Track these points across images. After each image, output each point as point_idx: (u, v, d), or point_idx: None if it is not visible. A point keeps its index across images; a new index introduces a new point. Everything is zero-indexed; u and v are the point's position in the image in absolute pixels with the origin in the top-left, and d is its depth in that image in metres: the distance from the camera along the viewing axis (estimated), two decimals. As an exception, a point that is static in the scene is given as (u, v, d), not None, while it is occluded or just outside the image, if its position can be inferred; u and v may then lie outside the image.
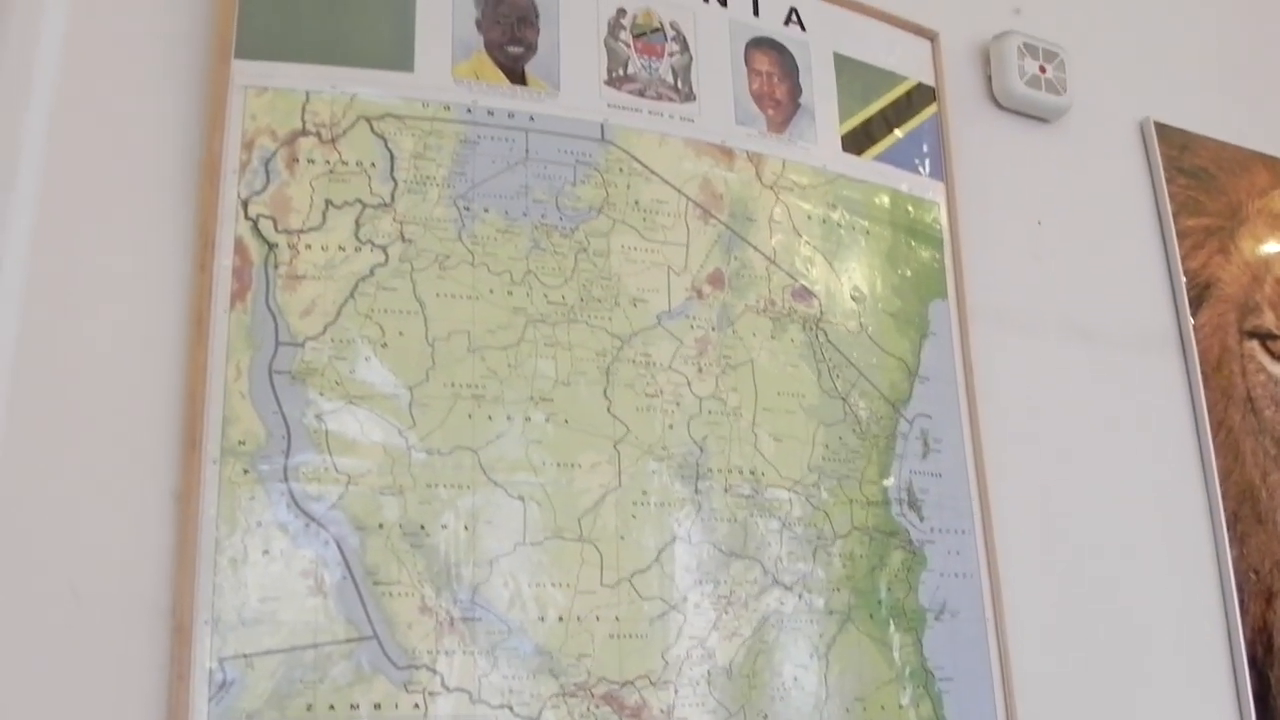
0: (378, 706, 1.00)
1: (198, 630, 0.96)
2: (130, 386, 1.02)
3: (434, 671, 1.02)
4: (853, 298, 1.36)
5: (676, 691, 1.12)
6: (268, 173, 1.10)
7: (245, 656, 0.97)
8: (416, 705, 1.01)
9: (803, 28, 1.43)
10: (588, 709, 1.08)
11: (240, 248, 1.07)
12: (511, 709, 1.04)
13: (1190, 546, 1.59)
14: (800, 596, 1.21)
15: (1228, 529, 1.60)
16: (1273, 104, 1.96)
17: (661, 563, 1.15)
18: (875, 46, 1.50)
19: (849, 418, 1.31)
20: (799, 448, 1.26)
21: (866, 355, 1.35)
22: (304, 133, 1.12)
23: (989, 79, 1.64)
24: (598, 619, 1.10)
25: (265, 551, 1.00)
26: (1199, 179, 1.78)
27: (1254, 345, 1.73)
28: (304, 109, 1.13)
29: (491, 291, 1.15)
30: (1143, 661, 1.49)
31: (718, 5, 1.38)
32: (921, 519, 1.33)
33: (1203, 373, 1.66)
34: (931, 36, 1.56)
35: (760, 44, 1.40)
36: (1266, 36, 2.04)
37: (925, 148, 1.50)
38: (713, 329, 1.25)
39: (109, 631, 0.95)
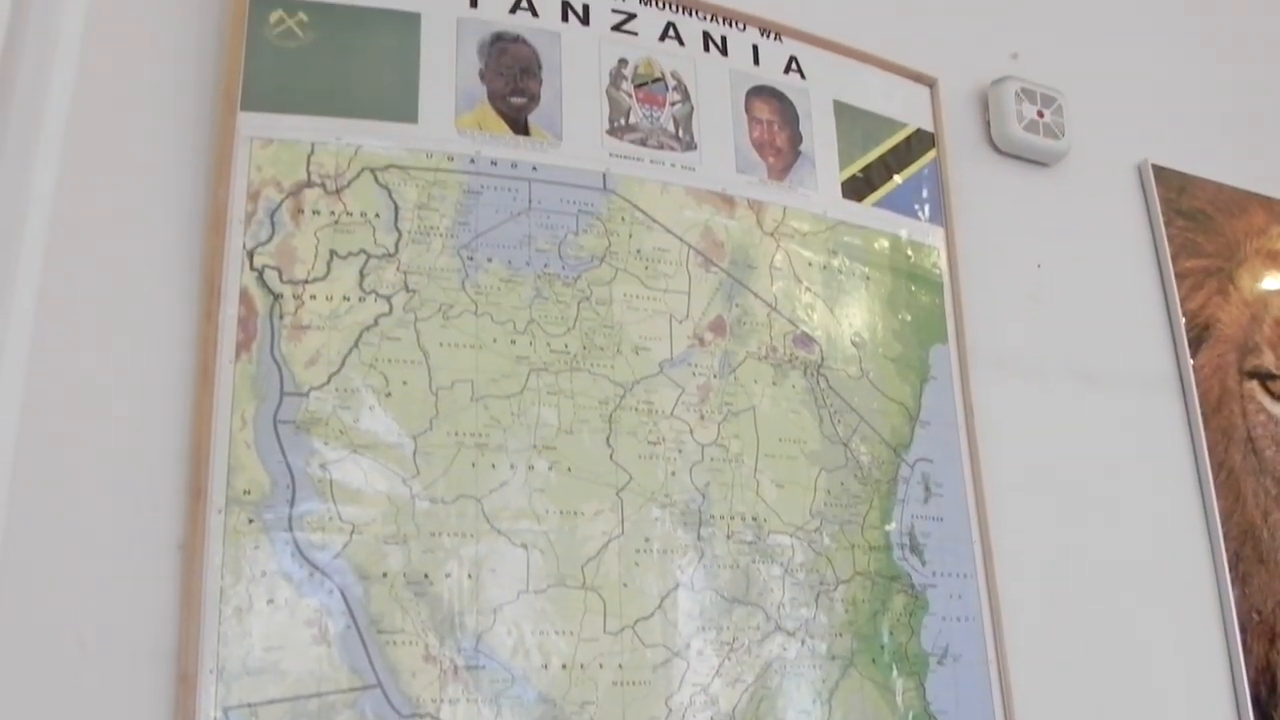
0: (381, 756, 1.00)
1: (203, 680, 0.96)
2: (136, 436, 1.02)
3: (437, 721, 1.03)
4: (853, 343, 1.37)
5: (679, 739, 1.12)
6: (273, 223, 1.11)
7: (250, 706, 0.97)
8: (420, 755, 1.02)
9: (802, 76, 1.45)
10: (591, 757, 1.08)
11: (245, 298, 1.08)
12: (515, 758, 1.05)
13: (1192, 587, 1.59)
14: (803, 642, 1.22)
15: (1229, 569, 1.60)
16: (1269, 145, 1.98)
17: (664, 609, 1.15)
18: (874, 93, 1.51)
19: (850, 463, 1.31)
20: (801, 493, 1.27)
21: (867, 400, 1.35)
22: (309, 184, 1.13)
23: (987, 124, 1.65)
24: (601, 666, 1.11)
25: (270, 601, 1.01)
26: (1197, 220, 1.79)
27: (1254, 385, 1.74)
28: (309, 160, 1.14)
29: (495, 340, 1.16)
30: (1146, 703, 1.49)
31: (718, 54, 1.40)
32: (923, 563, 1.33)
33: (1203, 413, 1.66)
34: (930, 83, 1.58)
35: (760, 92, 1.41)
36: (1261, 79, 2.06)
37: (925, 193, 1.51)
38: (714, 376, 1.26)
39: (115, 681, 0.95)
